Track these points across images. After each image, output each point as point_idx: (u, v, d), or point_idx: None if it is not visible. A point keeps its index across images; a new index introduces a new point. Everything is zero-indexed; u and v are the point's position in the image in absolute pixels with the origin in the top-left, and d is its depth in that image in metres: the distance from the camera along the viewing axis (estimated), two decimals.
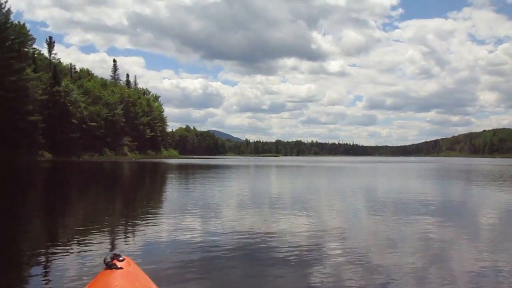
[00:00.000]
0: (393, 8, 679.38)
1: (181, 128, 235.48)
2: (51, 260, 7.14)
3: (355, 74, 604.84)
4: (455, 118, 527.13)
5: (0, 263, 7.17)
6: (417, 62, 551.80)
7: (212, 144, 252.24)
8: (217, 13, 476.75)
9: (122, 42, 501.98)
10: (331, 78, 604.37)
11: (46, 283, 5.96)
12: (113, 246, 8.17)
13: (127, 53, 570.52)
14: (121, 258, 3.14)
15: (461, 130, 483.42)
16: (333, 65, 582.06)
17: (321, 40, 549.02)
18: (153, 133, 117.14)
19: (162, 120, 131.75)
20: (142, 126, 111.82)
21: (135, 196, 19.38)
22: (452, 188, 24.17)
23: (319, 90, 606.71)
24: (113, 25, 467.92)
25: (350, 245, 8.22)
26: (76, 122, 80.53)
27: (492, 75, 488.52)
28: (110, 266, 3.02)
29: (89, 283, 3.02)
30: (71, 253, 7.56)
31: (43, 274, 6.45)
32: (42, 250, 7.92)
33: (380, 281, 5.96)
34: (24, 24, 69.48)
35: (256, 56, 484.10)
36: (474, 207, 15.63)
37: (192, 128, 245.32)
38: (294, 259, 7.15)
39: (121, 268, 3.02)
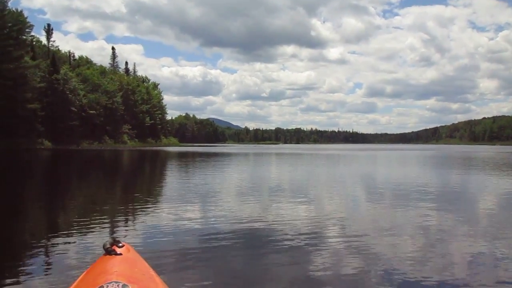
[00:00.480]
0: None
1: (180, 116, 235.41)
2: (50, 247, 7.14)
3: (354, 61, 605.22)
4: (454, 106, 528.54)
5: (8, 251, 7.15)
6: (417, 49, 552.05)
7: (212, 132, 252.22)
8: (216, 0, 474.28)
9: (121, 29, 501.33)
10: (330, 66, 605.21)
11: (46, 270, 5.95)
12: (113, 234, 8.10)
13: (126, 40, 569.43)
14: (120, 244, 3.17)
15: (461, 118, 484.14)
16: (333, 52, 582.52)
17: (320, 27, 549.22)
18: (152, 121, 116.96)
19: (162, 108, 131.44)
20: (141, 114, 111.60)
21: (135, 184, 19.25)
22: (452, 175, 24.04)
23: (318, 77, 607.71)
24: (112, 12, 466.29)
25: (350, 232, 8.22)
26: (75, 110, 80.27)
27: (492, 62, 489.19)
28: (109, 251, 3.05)
29: (88, 268, 3.03)
30: (71, 240, 7.52)
31: (43, 261, 6.43)
32: (42, 238, 7.96)
33: (380, 268, 5.97)
34: (21, 11, 68.91)
35: (256, 44, 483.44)
36: (474, 194, 15.54)
37: (191, 116, 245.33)
38: (294, 246, 7.12)
39: (120, 254, 3.04)
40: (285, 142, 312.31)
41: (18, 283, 5.38)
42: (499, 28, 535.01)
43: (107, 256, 3.04)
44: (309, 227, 8.62)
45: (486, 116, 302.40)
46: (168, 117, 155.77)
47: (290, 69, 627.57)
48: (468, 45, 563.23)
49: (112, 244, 3.14)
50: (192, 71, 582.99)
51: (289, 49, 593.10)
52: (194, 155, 51.56)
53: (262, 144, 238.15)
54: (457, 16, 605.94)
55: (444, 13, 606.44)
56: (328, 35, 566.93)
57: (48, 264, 6.25)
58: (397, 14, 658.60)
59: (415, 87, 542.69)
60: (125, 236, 7.77)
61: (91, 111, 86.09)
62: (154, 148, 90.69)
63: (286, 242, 7.38)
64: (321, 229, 8.51)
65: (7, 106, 60.18)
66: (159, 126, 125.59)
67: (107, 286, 2.52)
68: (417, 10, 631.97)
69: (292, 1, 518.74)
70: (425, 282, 5.44)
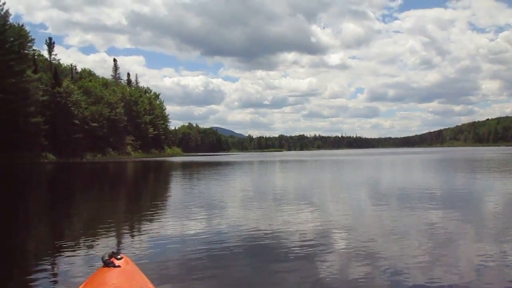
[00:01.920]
0: None
1: (183, 125, 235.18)
2: (49, 259, 7.25)
3: (355, 66, 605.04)
4: (457, 108, 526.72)
5: (4, 262, 7.21)
6: (417, 52, 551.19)
7: (215, 141, 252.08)
8: (215, 10, 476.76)
9: (122, 41, 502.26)
10: (332, 71, 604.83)
11: (44, 281, 6.00)
12: (113, 246, 8.03)
13: (127, 52, 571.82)
14: (119, 257, 3.17)
15: (464, 120, 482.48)
16: (334, 58, 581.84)
17: (320, 33, 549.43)
18: (155, 132, 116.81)
19: (164, 118, 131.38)
20: (144, 125, 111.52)
21: (138, 196, 19.18)
22: (457, 178, 23.81)
23: (320, 83, 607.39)
24: (112, 24, 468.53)
25: (355, 237, 8.18)
26: (78, 122, 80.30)
27: (493, 63, 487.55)
28: (107, 264, 3.05)
29: (86, 280, 3.02)
30: (71, 252, 7.51)
31: (42, 273, 6.44)
32: (42, 250, 8.11)
33: (387, 272, 5.93)
34: (23, 26, 69.21)
35: (256, 52, 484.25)
36: (479, 197, 15.39)
37: (194, 125, 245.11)
38: (300, 253, 7.08)
39: (118, 266, 3.05)
40: (289, 149, 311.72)
41: None
42: (499, 29, 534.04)
43: (106, 268, 3.03)
44: (315, 234, 8.54)
45: (490, 118, 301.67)
46: (171, 127, 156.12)
47: (292, 76, 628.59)
48: (469, 47, 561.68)
49: (110, 256, 3.14)
50: (194, 81, 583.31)
51: (290, 56, 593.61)
52: (198, 165, 51.40)
53: (266, 151, 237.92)
54: (457, 18, 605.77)
55: (444, 16, 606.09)
56: (328, 41, 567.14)
57: (47, 276, 6.29)
58: (396, 18, 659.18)
59: (417, 90, 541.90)
60: (126, 248, 7.71)
61: (94, 124, 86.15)
62: (158, 158, 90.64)
63: (291, 249, 7.30)
64: (327, 236, 8.43)
65: (10, 120, 60.19)
66: (163, 137, 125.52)
67: None
68: (417, 13, 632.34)
69: (292, 8, 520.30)
70: (433, 286, 5.37)
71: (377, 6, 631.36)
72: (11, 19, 66.55)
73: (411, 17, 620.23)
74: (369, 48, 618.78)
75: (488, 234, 8.48)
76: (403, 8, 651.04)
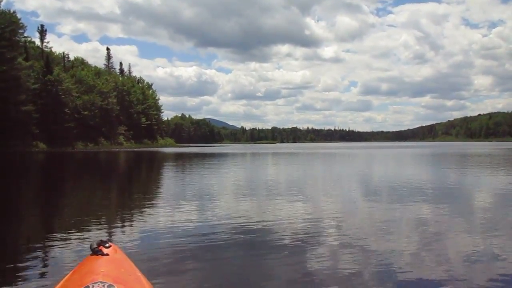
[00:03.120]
0: None
1: (176, 116, 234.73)
2: (37, 248, 7.29)
3: (349, 59, 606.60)
4: (450, 103, 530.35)
5: None
6: (411, 47, 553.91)
7: (208, 132, 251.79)
8: (209, 0, 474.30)
9: (115, 30, 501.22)
10: (325, 64, 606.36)
11: (31, 270, 5.89)
12: (106, 234, 7.94)
13: (120, 41, 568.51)
14: (107, 245, 3.15)
15: (456, 115, 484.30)
16: (327, 51, 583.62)
17: (314, 26, 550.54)
18: (148, 122, 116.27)
19: (157, 108, 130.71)
20: (136, 115, 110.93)
21: (130, 186, 19.04)
22: (449, 173, 23.84)
23: (313, 76, 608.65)
24: (105, 13, 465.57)
25: (346, 231, 8.15)
26: (69, 111, 79.62)
27: (486, 59, 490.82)
28: (96, 252, 3.03)
29: (74, 268, 3.01)
30: (59, 240, 7.42)
31: (29, 261, 6.37)
32: (29, 238, 8.12)
33: (377, 266, 5.92)
34: (14, 12, 68.33)
35: (250, 43, 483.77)
36: (470, 191, 15.37)
37: (187, 116, 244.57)
38: (291, 245, 7.03)
39: (107, 254, 3.03)
40: (282, 141, 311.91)
41: (3, 282, 5.31)
42: (492, 25, 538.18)
43: (94, 256, 3.01)
44: (306, 227, 8.49)
45: (481, 113, 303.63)
46: (164, 118, 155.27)
47: (285, 68, 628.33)
48: (462, 42, 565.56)
49: (99, 245, 3.12)
50: (187, 72, 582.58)
51: (284, 48, 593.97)
52: (190, 156, 51.15)
53: (259, 143, 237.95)
54: (451, 13, 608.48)
55: (438, 11, 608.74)
56: (322, 33, 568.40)
57: (34, 264, 6.17)
58: (390, 12, 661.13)
59: (410, 84, 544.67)
60: (116, 237, 7.66)
61: (86, 113, 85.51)
62: (151, 149, 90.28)
63: (282, 242, 7.27)
64: (318, 229, 8.38)
65: (0, 108, 59.59)
66: (155, 127, 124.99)
67: (93, 286, 2.50)
68: (411, 7, 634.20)
69: (286, 0, 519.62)
70: (424, 280, 5.43)
71: (371, 0, 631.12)
72: (2, 5, 65.65)
73: (405, 11, 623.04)
74: (362, 42, 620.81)
75: (479, 229, 8.48)
76: (398, 2, 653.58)
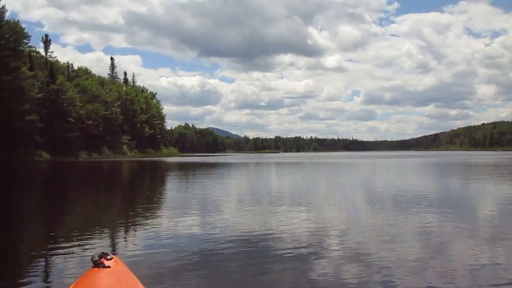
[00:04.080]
0: (389, 2, 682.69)
1: (180, 125, 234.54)
2: (39, 260, 7.10)
3: (352, 69, 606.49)
4: (453, 112, 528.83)
5: None
6: (414, 56, 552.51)
7: (212, 142, 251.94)
8: (213, 10, 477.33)
9: (118, 40, 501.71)
10: (328, 74, 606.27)
11: (32, 282, 5.80)
12: (108, 246, 7.86)
13: (124, 51, 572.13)
14: (109, 257, 3.16)
15: (460, 124, 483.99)
16: (330, 60, 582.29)
17: (317, 35, 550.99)
18: (152, 131, 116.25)
19: (161, 118, 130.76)
20: (140, 124, 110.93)
21: (133, 196, 18.86)
22: (454, 182, 23.65)
23: (316, 85, 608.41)
24: (109, 24, 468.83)
25: (350, 240, 8.11)
26: (73, 120, 79.62)
27: (489, 68, 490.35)
28: (97, 264, 3.04)
29: (76, 280, 3.01)
30: (61, 252, 7.34)
31: (30, 273, 6.33)
32: (32, 250, 8.03)
33: (380, 275, 5.87)
34: (18, 22, 68.64)
35: (253, 53, 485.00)
36: (474, 201, 15.24)
37: (191, 125, 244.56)
38: (295, 255, 7.00)
39: (108, 266, 3.03)
40: (285, 151, 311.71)
41: None
42: (495, 34, 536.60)
43: (95, 268, 3.01)
44: (309, 236, 8.46)
45: (485, 122, 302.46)
46: (168, 127, 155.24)
47: (288, 77, 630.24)
48: (465, 51, 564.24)
49: (100, 257, 3.12)
50: (190, 81, 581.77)
51: (287, 57, 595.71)
52: (194, 166, 50.91)
53: (262, 153, 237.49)
54: (453, 23, 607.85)
55: (440, 20, 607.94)
56: (325, 43, 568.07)
57: (36, 276, 6.09)
58: (393, 22, 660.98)
59: (413, 94, 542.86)
60: (118, 248, 7.60)
61: (89, 122, 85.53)
62: (154, 158, 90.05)
63: (286, 251, 7.22)
64: (321, 238, 8.33)
65: (4, 117, 59.56)
66: (159, 136, 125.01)
67: None
68: (413, 17, 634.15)
69: (289, 10, 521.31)
70: None
71: (374, 10, 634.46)
72: (6, 16, 65.88)
73: (407, 21, 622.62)
74: (365, 51, 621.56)
75: (482, 239, 8.44)
76: (400, 11, 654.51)
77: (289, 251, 7.23)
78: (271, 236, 8.49)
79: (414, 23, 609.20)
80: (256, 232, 8.84)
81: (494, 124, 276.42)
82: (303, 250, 7.25)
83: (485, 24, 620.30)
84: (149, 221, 10.68)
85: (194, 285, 5.61)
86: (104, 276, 2.88)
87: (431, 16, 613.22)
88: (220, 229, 9.27)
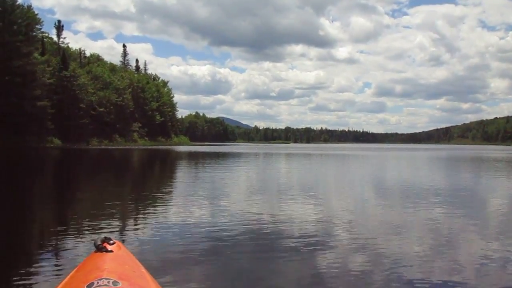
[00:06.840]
0: None
1: (190, 114, 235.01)
2: (43, 244, 7.19)
3: (363, 60, 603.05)
4: (465, 106, 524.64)
5: (3, 247, 7.03)
6: (426, 48, 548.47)
7: (222, 131, 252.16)
8: (224, 0, 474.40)
9: (130, 29, 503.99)
10: (339, 65, 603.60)
11: (36, 266, 5.86)
12: (114, 231, 7.77)
13: (135, 40, 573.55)
14: (111, 242, 3.25)
15: (472, 118, 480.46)
16: (342, 51, 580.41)
17: (329, 26, 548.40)
18: (163, 119, 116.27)
19: (172, 106, 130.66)
20: (151, 112, 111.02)
21: (141, 184, 18.89)
22: (465, 177, 23.31)
23: (327, 76, 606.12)
24: (121, 12, 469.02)
25: (358, 232, 8.01)
26: (85, 107, 79.79)
27: (503, 61, 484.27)
28: (100, 248, 3.10)
29: (79, 265, 3.06)
30: (66, 237, 7.37)
31: (34, 257, 6.38)
32: (36, 234, 8.12)
33: (388, 268, 5.83)
34: (31, 7, 68.60)
35: (264, 43, 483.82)
36: (485, 196, 14.94)
37: (201, 114, 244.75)
38: (302, 245, 6.92)
39: (111, 251, 3.10)
40: (295, 142, 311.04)
41: (7, 278, 5.25)
42: (509, 27, 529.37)
43: (98, 253, 3.08)
44: (318, 227, 8.38)
45: (498, 116, 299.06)
46: (178, 116, 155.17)
47: (299, 68, 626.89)
48: (478, 44, 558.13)
49: (103, 241, 3.19)
50: (201, 70, 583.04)
51: (298, 48, 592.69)
52: (204, 155, 50.79)
53: (272, 143, 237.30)
54: (467, 15, 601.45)
55: (454, 12, 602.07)
56: (336, 34, 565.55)
57: (39, 260, 6.14)
58: (406, 14, 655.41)
59: (425, 86, 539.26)
60: (121, 234, 7.61)
61: (101, 109, 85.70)
62: (165, 147, 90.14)
63: (293, 242, 7.16)
64: (329, 229, 8.28)
65: (16, 103, 59.75)
66: (170, 124, 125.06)
67: (98, 282, 2.49)
68: (426, 9, 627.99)
69: (301, 0, 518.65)
70: (434, 284, 5.27)
71: (386, 1, 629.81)
72: (18, 1, 65.85)
73: (420, 13, 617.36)
74: (377, 43, 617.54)
75: (492, 234, 8.30)
76: (413, 3, 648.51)
77: (297, 240, 7.19)
78: (280, 225, 8.42)
79: (427, 15, 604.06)
80: (265, 222, 8.78)
81: (508, 119, 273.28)
82: (311, 240, 7.18)
83: (500, 16, 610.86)
84: (156, 208, 10.66)
85: (200, 272, 5.58)
86: (107, 260, 2.92)
87: (445, 8, 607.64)
88: (226, 218, 9.19)
